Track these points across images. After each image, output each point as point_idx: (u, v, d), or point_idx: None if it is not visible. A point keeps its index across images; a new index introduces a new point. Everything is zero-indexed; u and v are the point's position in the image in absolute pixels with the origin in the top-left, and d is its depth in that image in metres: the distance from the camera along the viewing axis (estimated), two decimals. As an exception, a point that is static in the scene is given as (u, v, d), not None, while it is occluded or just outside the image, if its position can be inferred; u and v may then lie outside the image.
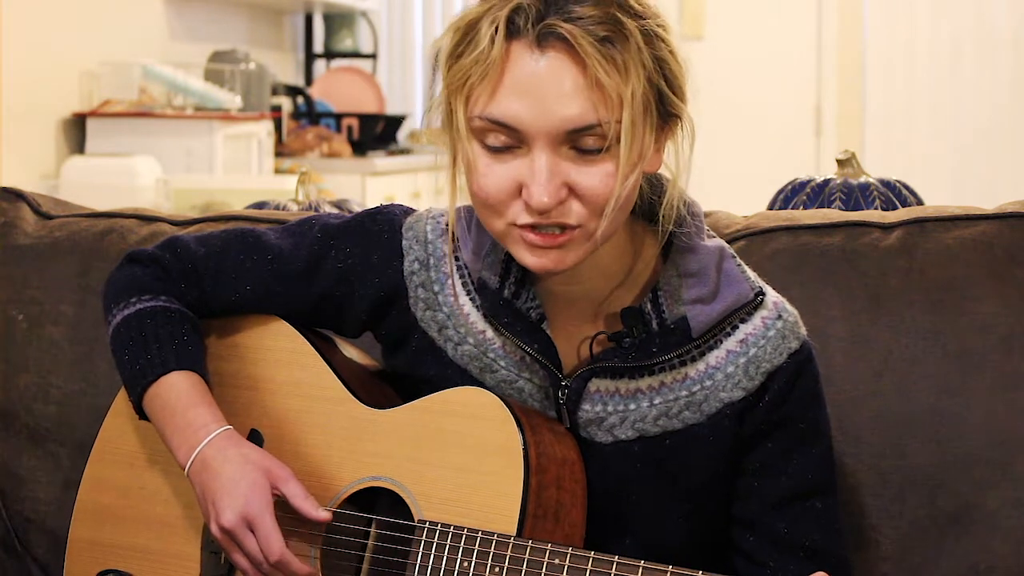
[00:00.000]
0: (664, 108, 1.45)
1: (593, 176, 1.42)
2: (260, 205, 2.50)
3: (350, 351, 1.69)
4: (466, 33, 1.43)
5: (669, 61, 1.44)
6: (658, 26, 1.43)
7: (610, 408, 1.54)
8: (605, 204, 1.42)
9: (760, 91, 6.18)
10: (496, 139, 1.43)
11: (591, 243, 1.45)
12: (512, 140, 1.42)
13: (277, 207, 2.52)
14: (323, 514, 1.51)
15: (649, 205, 1.54)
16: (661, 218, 1.51)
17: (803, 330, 1.55)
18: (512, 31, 1.41)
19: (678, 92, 1.45)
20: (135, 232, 1.98)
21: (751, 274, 1.56)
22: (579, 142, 1.41)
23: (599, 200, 1.42)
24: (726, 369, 1.53)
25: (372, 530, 1.56)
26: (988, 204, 1.88)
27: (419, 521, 1.50)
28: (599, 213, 1.43)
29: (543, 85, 1.40)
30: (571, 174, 1.42)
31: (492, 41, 1.40)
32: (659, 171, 1.52)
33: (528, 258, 1.45)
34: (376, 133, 5.56)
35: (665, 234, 1.52)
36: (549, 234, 1.43)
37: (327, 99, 5.71)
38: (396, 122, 5.75)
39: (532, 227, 1.43)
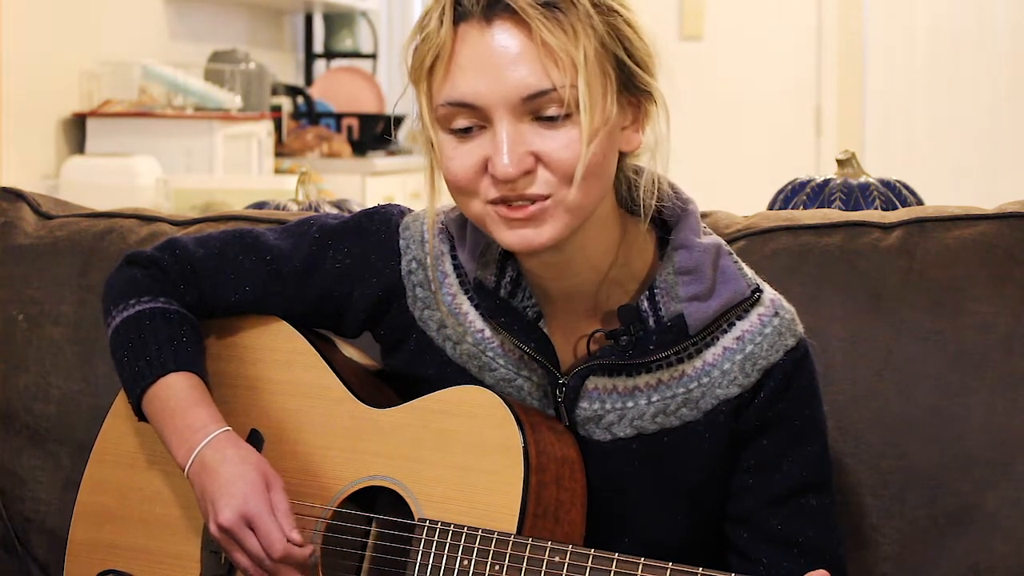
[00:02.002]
0: (629, 80, 1.46)
1: (557, 141, 1.43)
2: (260, 205, 2.51)
3: (349, 351, 1.69)
4: (420, 27, 1.46)
5: (626, 31, 1.45)
6: (614, 1, 1.45)
7: (608, 406, 1.54)
8: (572, 170, 1.42)
9: (760, 91, 6.17)
10: (460, 122, 1.44)
11: (569, 216, 1.45)
12: (475, 119, 1.44)
13: (277, 207, 2.52)
14: (296, 536, 1.50)
15: (635, 191, 1.54)
16: (641, 193, 1.51)
17: (800, 327, 1.55)
18: (460, 14, 1.44)
19: (643, 65, 1.47)
20: (135, 232, 1.98)
21: (748, 271, 1.56)
22: (539, 110, 1.42)
23: (566, 167, 1.43)
24: (723, 366, 1.53)
25: (372, 529, 1.56)
26: (988, 204, 1.88)
27: (419, 520, 1.50)
28: (568, 181, 1.43)
29: (494, 57, 1.42)
30: (535, 142, 1.43)
31: (440, 25, 1.43)
32: (641, 162, 1.52)
33: (507, 236, 1.46)
34: (376, 133, 5.56)
35: (648, 211, 1.52)
36: (521, 206, 1.44)
37: (327, 99, 5.71)
38: (396, 122, 5.75)
39: (504, 202, 1.44)
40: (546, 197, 1.43)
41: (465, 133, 1.44)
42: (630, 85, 1.47)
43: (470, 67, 1.43)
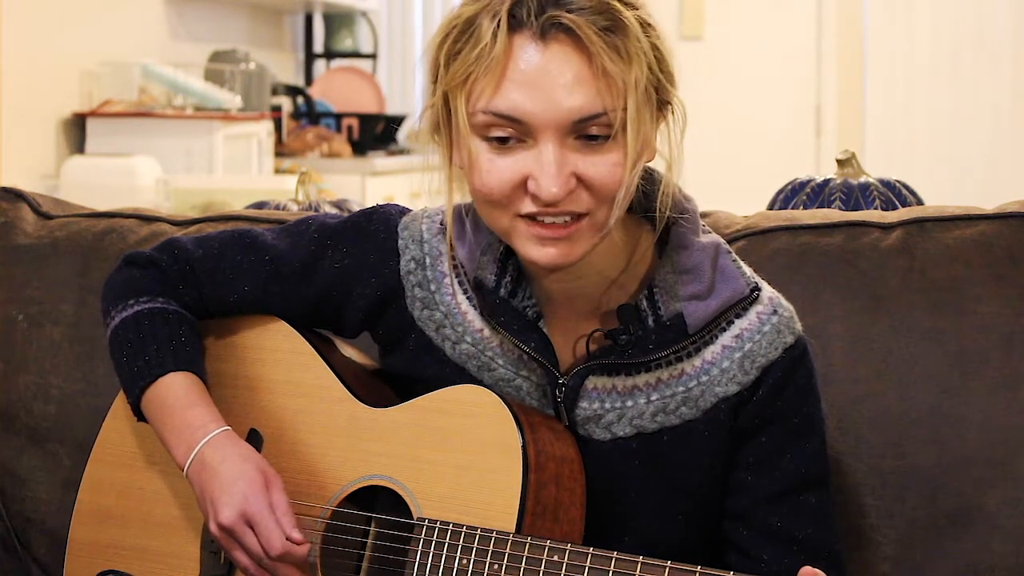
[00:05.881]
0: (658, 95, 1.46)
1: (600, 165, 1.42)
2: (260, 205, 2.51)
3: (349, 350, 1.69)
4: (464, 29, 1.43)
5: (661, 48, 1.45)
6: (648, 15, 1.45)
7: (607, 405, 1.54)
8: (614, 193, 1.43)
9: (760, 91, 6.18)
10: (499, 132, 1.42)
11: (598, 234, 1.45)
12: (517, 133, 1.42)
13: (277, 207, 2.52)
14: (296, 535, 1.50)
15: (644, 197, 1.54)
16: (659, 206, 1.51)
17: (799, 325, 1.55)
18: (514, 24, 1.41)
19: (669, 78, 1.47)
20: (135, 232, 1.98)
21: (747, 270, 1.56)
22: (585, 131, 1.42)
23: (608, 189, 1.43)
24: (721, 364, 1.53)
25: (372, 528, 1.56)
26: (988, 204, 1.88)
27: (418, 519, 1.50)
28: (608, 202, 1.43)
29: (548, 76, 1.40)
30: (579, 165, 1.42)
31: (495, 35, 1.40)
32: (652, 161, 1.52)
33: (536, 252, 1.45)
34: (376, 133, 5.56)
35: (662, 221, 1.52)
36: (557, 224, 1.43)
37: (327, 99, 5.71)
38: (396, 122, 5.75)
39: (539, 220, 1.43)
40: (583, 215, 1.43)
41: (502, 143, 1.43)
42: (657, 98, 1.46)
43: (522, 82, 1.41)
